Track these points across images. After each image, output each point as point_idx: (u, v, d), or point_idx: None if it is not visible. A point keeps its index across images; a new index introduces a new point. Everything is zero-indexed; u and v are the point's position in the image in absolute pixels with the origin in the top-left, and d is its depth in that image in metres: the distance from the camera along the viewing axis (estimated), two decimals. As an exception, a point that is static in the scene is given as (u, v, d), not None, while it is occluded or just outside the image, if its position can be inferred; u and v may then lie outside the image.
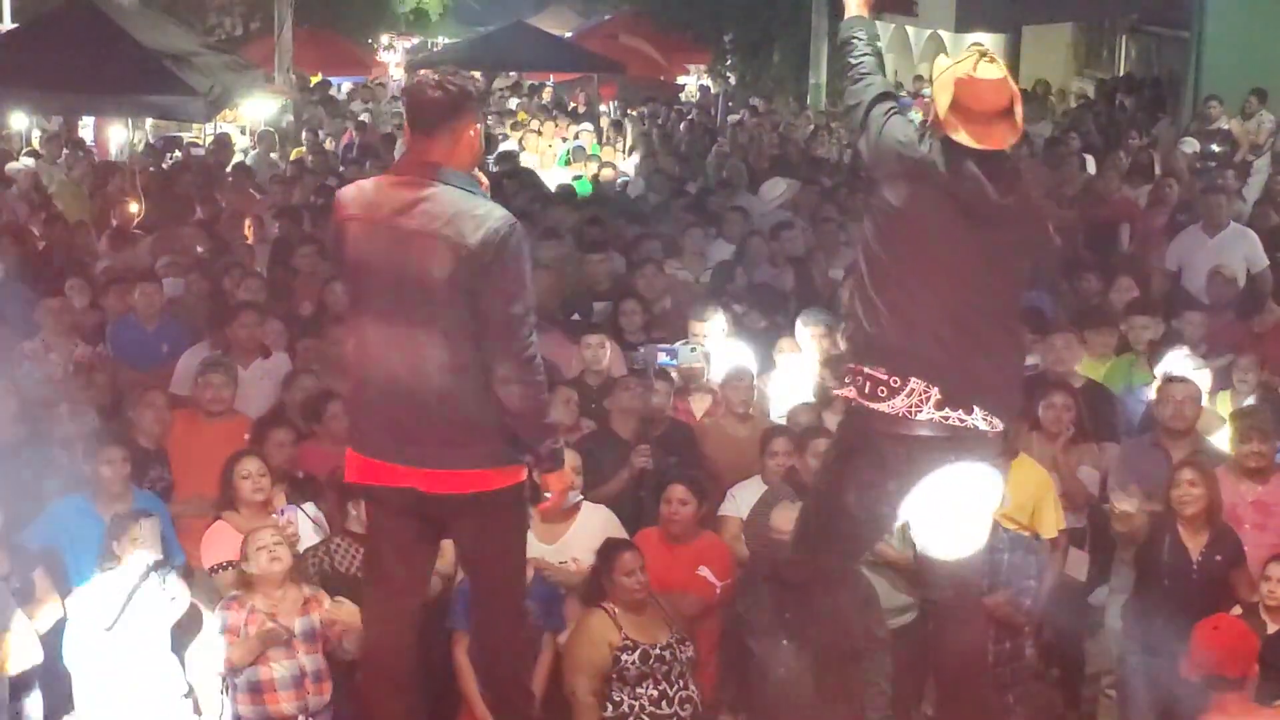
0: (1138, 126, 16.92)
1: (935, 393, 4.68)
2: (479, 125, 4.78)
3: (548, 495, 5.01)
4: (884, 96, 4.90)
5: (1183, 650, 6.23)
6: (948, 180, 4.66)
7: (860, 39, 5.04)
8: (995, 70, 4.65)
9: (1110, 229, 12.66)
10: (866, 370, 4.76)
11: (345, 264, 4.81)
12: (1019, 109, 4.69)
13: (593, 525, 6.54)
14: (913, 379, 4.68)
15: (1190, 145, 15.06)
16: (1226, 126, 16.08)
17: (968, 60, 4.67)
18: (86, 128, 18.82)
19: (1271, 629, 6.13)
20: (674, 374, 7.83)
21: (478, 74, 26.09)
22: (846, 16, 5.12)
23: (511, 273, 4.61)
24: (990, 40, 24.33)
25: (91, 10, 13.53)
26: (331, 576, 6.22)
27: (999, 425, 4.79)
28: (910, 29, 27.51)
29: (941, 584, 5.08)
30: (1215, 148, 15.04)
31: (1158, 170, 14.08)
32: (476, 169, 4.81)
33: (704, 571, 6.34)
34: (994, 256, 4.73)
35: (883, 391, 4.71)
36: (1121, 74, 22.09)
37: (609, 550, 6.18)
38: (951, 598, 5.07)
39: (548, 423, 4.84)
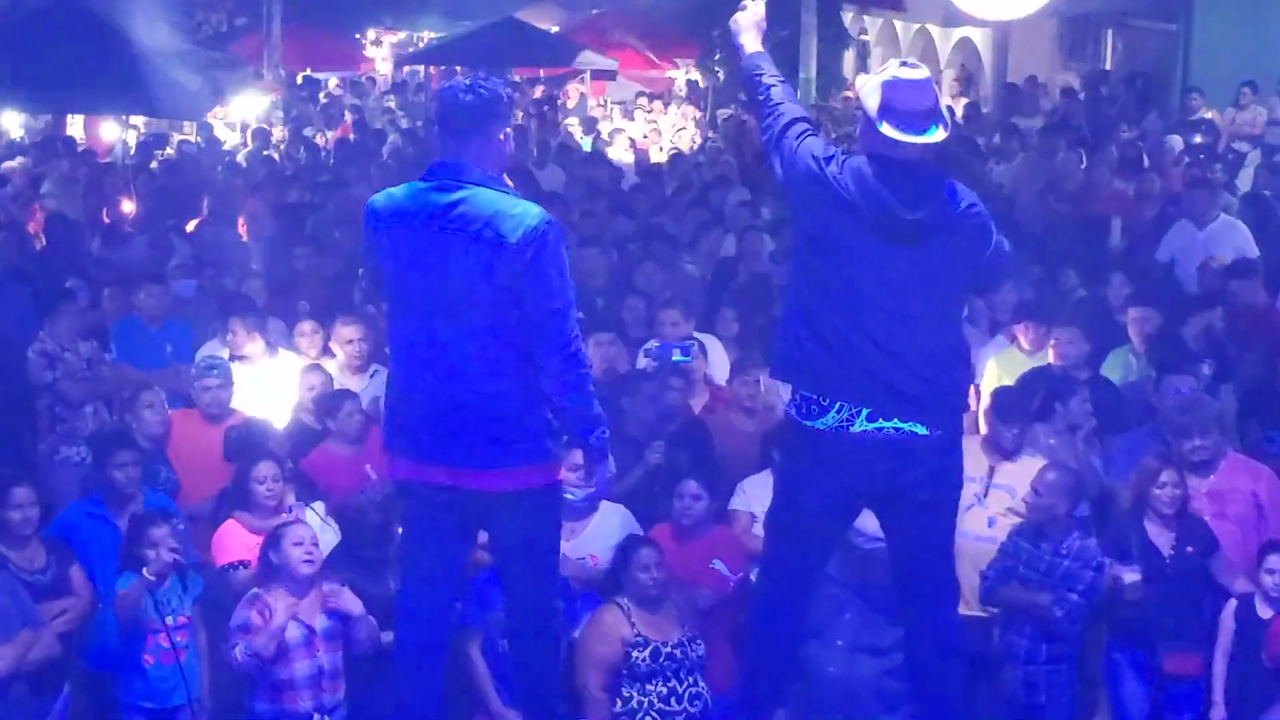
0: (1127, 120, 16.97)
1: (864, 410, 4.82)
2: (509, 129, 4.86)
3: (592, 487, 5.07)
4: (796, 120, 4.99)
5: (1165, 647, 6.37)
6: (857, 200, 4.74)
7: (761, 73, 5.12)
8: (918, 72, 4.83)
9: (1101, 222, 12.74)
10: (801, 391, 4.93)
11: (383, 271, 4.85)
12: (944, 109, 4.88)
13: (611, 524, 6.57)
14: (839, 400, 4.82)
15: (1175, 143, 15.11)
16: (1209, 116, 16.15)
17: (890, 66, 4.87)
18: (75, 125, 18.80)
19: (1267, 616, 6.24)
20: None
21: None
22: (744, 55, 5.19)
23: (552, 269, 4.67)
24: (979, 35, 24.42)
25: (80, 7, 13.50)
26: None
27: (938, 429, 4.89)
28: (899, 23, 27.55)
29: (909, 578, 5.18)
30: (1198, 138, 15.11)
31: (1146, 163, 14.15)
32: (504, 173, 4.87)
33: (718, 565, 6.39)
34: (916, 272, 4.80)
35: (815, 409, 4.87)
36: (1109, 67, 22.13)
37: (628, 545, 6.23)
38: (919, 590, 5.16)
39: (594, 414, 4.87)
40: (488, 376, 4.71)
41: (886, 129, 4.75)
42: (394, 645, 5.21)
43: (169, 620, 6.13)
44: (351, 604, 5.94)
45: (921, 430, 4.84)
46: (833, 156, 4.85)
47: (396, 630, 5.19)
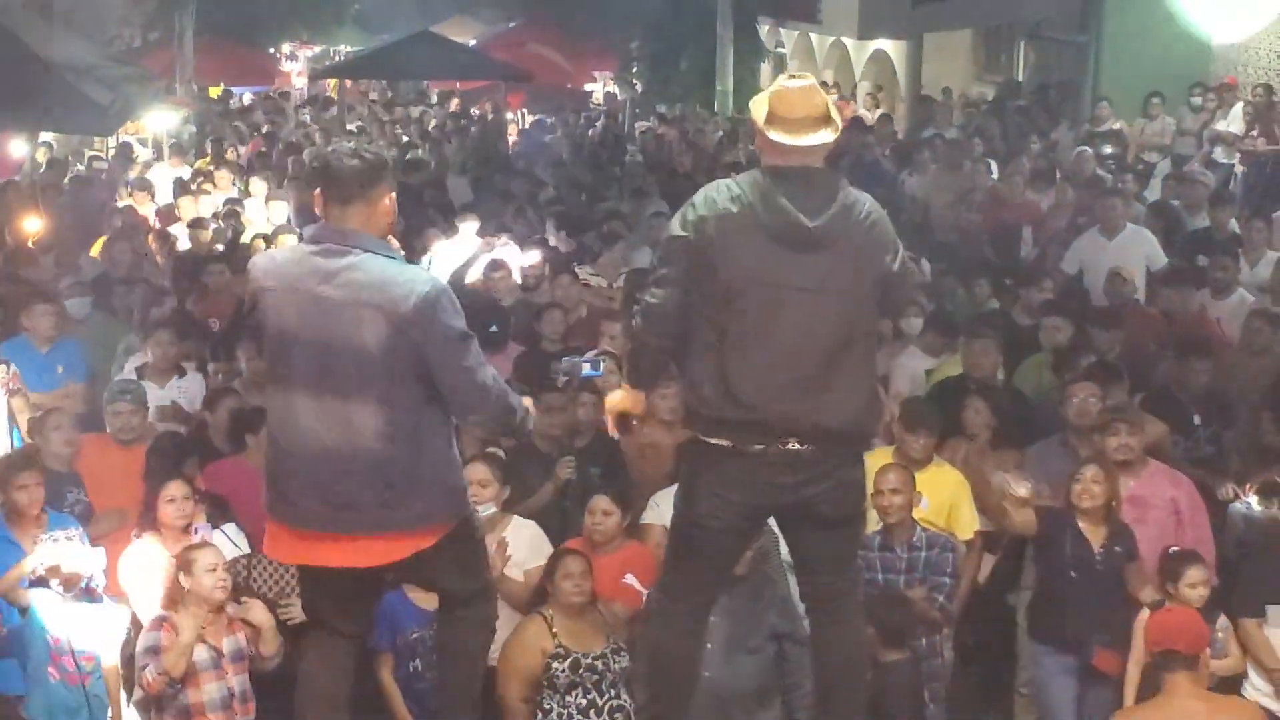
0: (1038, 130, 17.18)
1: (759, 443, 4.80)
2: (393, 193, 4.79)
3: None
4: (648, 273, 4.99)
5: (1096, 641, 6.39)
6: (760, 214, 4.73)
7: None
8: (803, 80, 4.89)
9: (1013, 232, 12.89)
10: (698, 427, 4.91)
11: (265, 334, 4.77)
12: (834, 113, 4.90)
13: (519, 540, 6.57)
14: (730, 437, 4.80)
15: (1078, 154, 15.30)
16: (1117, 127, 16.38)
17: (778, 80, 4.94)
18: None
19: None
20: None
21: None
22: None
23: (452, 332, 4.61)
24: (893, 47, 24.66)
25: (-13, 23, 13.29)
26: (245, 592, 6.18)
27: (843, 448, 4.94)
28: (814, 36, 27.78)
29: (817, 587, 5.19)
30: (1107, 149, 15.32)
31: (1058, 174, 14.33)
32: (390, 235, 4.80)
33: (630, 580, 6.39)
34: (824, 283, 4.78)
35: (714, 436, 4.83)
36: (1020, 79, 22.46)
37: (556, 555, 6.27)
38: (827, 599, 5.17)
39: (514, 416, 4.88)
40: (381, 442, 4.61)
41: (774, 134, 4.77)
42: (299, 673, 5.12)
43: (75, 643, 6.04)
44: (262, 617, 5.88)
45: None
46: (707, 199, 4.79)
47: (303, 658, 5.12)
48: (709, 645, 5.98)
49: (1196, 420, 7.92)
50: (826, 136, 4.83)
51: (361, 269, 4.58)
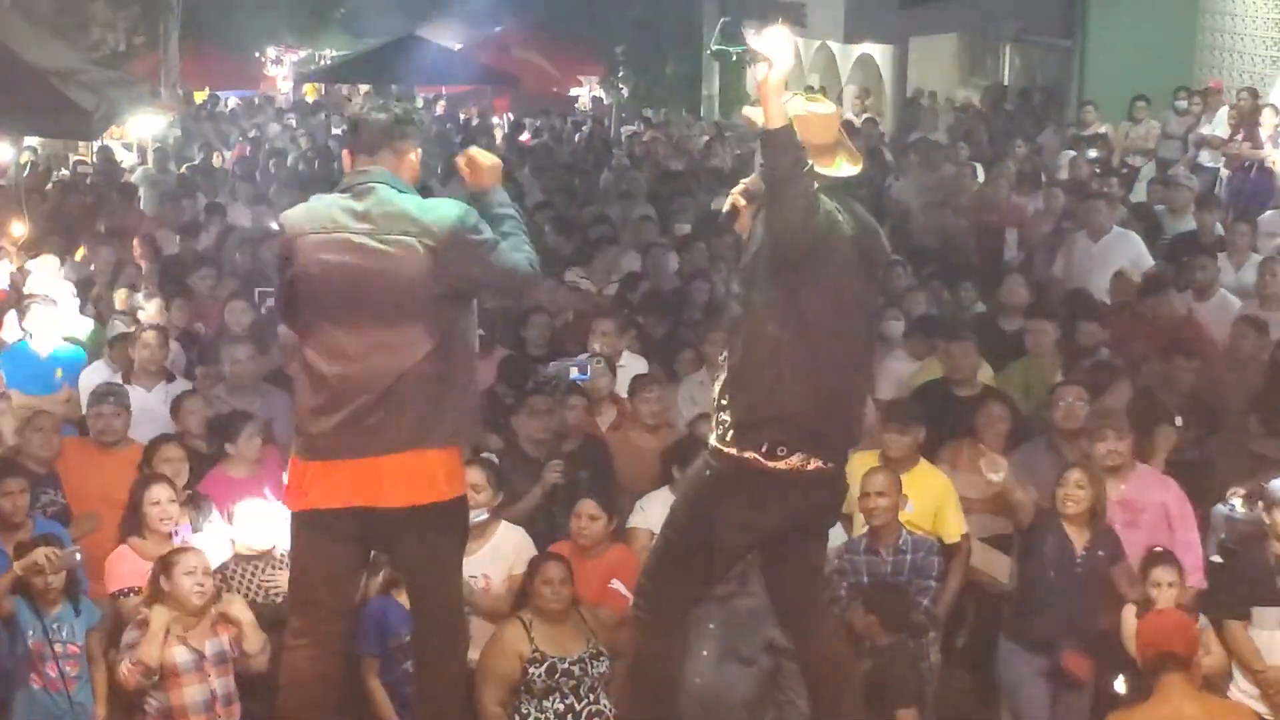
0: (1022, 134, 17.20)
1: (818, 460, 4.84)
2: (419, 150, 4.98)
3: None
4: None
5: (1066, 644, 6.40)
6: (863, 237, 4.77)
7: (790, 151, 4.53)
8: (826, 105, 4.89)
9: (997, 235, 12.91)
10: (764, 444, 4.84)
11: (299, 281, 4.84)
12: (848, 140, 4.92)
13: (508, 546, 6.56)
14: (799, 452, 4.81)
15: (1069, 158, 15.34)
16: (1102, 130, 16.42)
17: (795, 100, 4.81)
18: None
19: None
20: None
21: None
22: (773, 127, 4.48)
23: (483, 243, 4.76)
24: (879, 51, 24.67)
25: (-31, 27, 13.27)
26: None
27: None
28: (800, 40, 27.77)
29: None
30: (1092, 153, 15.36)
31: (1043, 178, 14.36)
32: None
33: (616, 585, 6.38)
34: (867, 305, 4.91)
35: (781, 451, 4.81)
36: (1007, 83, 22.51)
37: (537, 559, 6.27)
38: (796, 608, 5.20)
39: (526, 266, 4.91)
40: (425, 362, 4.73)
41: (839, 166, 4.79)
42: (283, 673, 5.11)
43: (58, 649, 6.03)
44: (241, 612, 5.88)
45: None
46: (848, 213, 4.80)
47: (286, 657, 5.10)
48: (703, 652, 5.98)
49: (1179, 423, 7.92)
50: (855, 166, 4.85)
51: (389, 202, 4.75)
